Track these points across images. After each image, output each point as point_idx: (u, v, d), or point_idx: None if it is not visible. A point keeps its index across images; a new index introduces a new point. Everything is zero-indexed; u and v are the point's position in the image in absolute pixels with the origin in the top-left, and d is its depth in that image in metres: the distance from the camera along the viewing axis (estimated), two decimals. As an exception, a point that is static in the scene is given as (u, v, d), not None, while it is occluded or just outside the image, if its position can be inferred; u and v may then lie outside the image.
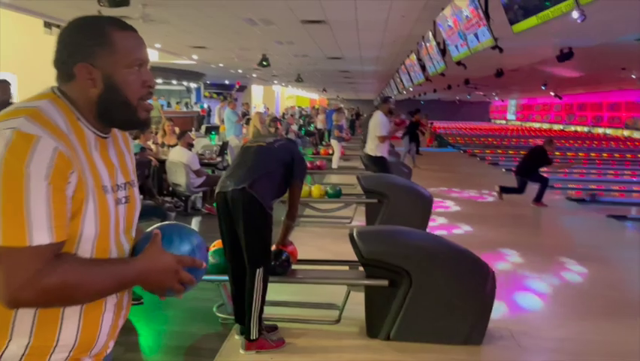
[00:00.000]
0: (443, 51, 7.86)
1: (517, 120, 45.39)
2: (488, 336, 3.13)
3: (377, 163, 6.69)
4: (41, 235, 0.93)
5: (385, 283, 3.09)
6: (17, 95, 10.77)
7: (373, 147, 6.69)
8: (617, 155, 16.34)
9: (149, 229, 1.17)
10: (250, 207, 2.80)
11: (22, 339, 1.00)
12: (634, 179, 11.29)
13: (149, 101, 1.16)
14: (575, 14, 5.60)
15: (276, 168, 2.96)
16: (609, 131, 30.56)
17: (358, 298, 3.19)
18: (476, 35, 5.22)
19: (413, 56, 11.04)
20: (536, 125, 38.09)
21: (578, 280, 4.57)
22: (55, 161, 0.95)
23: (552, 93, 28.04)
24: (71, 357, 1.06)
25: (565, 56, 10.80)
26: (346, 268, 3.57)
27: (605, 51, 11.60)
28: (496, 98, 45.59)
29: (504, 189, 7.89)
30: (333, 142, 11.33)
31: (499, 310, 3.22)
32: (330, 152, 11.26)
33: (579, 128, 33.53)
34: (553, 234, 6.68)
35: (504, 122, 45.87)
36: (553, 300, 4.11)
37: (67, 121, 1.04)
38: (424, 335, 3.08)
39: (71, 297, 1.00)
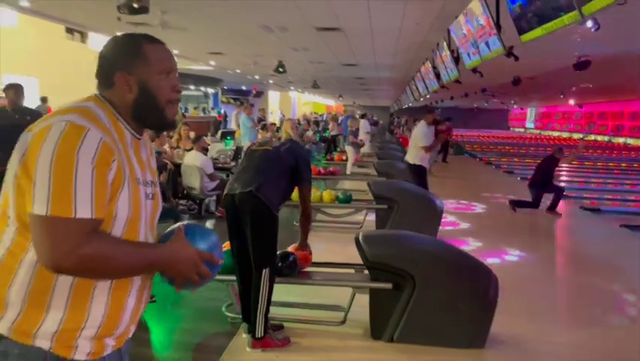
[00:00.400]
0: (457, 59, 7.90)
1: (536, 129, 44.89)
2: (491, 340, 3.16)
3: (414, 171, 6.80)
4: (85, 210, 1.08)
5: (389, 286, 3.15)
6: (39, 98, 11.13)
7: (413, 155, 6.83)
8: (635, 165, 16.10)
9: (171, 227, 1.31)
10: (257, 210, 2.89)
11: (57, 313, 1.13)
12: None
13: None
14: (589, 23, 5.60)
15: (282, 171, 3.05)
16: (630, 140, 30.05)
17: (364, 301, 3.25)
18: (487, 44, 5.27)
19: (428, 64, 11.08)
20: (555, 133, 37.65)
21: (586, 287, 4.57)
22: (101, 149, 1.11)
23: (572, 102, 27.71)
24: (98, 335, 1.18)
25: (582, 64, 10.73)
26: (352, 271, 3.63)
27: (623, 59, 11.49)
28: (515, 106, 45.17)
29: (517, 203, 7.75)
30: (348, 148, 11.40)
31: (502, 314, 3.24)
32: (344, 158, 11.33)
33: (599, 138, 33.04)
34: (563, 242, 6.66)
35: (522, 130, 45.43)
36: (560, 307, 4.12)
37: (110, 120, 1.22)
38: (427, 337, 3.13)
39: (105, 268, 1.14)
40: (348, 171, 10.55)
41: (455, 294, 3.11)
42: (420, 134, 6.75)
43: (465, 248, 5.39)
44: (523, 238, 6.33)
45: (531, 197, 7.70)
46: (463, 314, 3.10)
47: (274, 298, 3.05)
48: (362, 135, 13.22)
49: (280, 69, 12.86)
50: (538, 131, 42.04)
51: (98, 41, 10.09)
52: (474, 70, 8.80)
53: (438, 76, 10.18)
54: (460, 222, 6.99)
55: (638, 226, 7.04)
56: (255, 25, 8.67)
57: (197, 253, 1.24)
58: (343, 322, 3.29)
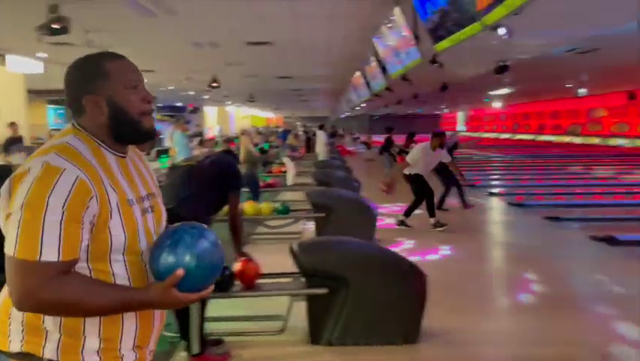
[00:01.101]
0: (384, 69, 8.21)
1: (468, 131, 46.86)
2: (425, 335, 3.32)
3: (411, 180, 7.02)
4: (51, 254, 1.10)
5: (325, 291, 3.24)
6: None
7: (412, 168, 6.99)
8: (558, 160, 17.22)
9: (164, 232, 1.27)
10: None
11: (94, 331, 1.19)
12: (571, 182, 11.94)
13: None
14: (502, 31, 6.01)
15: (205, 186, 3.08)
16: (552, 138, 32.01)
17: (303, 308, 3.32)
18: (408, 54, 5.53)
19: (359, 74, 11.43)
20: (485, 135, 39.47)
21: (514, 277, 4.86)
22: (75, 190, 1.12)
23: (497, 104, 29.24)
24: (136, 345, 1.26)
25: (501, 69, 11.40)
26: (289, 280, 3.70)
27: (540, 63, 12.30)
28: (446, 111, 47.05)
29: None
30: (286, 160, 11.49)
31: (434, 309, 3.41)
32: (283, 170, 11.41)
33: (525, 137, 34.92)
34: (492, 236, 7.02)
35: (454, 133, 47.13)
36: (489, 297, 4.36)
37: (90, 149, 1.22)
38: (363, 337, 3.24)
39: (68, 312, 1.16)
40: (290, 182, 10.64)
41: (388, 293, 3.25)
42: (416, 155, 6.92)
43: (400, 248, 5.60)
44: (453, 234, 6.63)
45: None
46: (396, 312, 3.25)
47: (213, 313, 3.06)
48: (321, 147, 13.42)
49: (214, 84, 12.81)
50: (469, 133, 43.88)
51: (16, 63, 9.67)
52: (404, 78, 9.18)
53: (369, 85, 10.51)
54: (393, 223, 7.22)
55: (560, 218, 7.56)
56: (185, 42, 8.63)
57: (179, 300, 1.18)
58: (283, 330, 3.34)
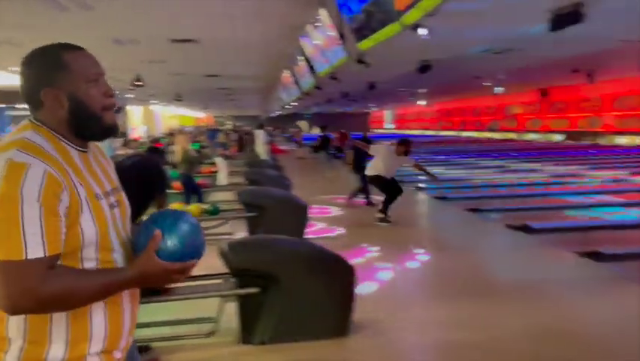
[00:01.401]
0: (312, 68, 8.29)
1: (396, 129, 48.23)
2: (355, 328, 3.40)
3: (372, 180, 7.17)
4: (36, 250, 1.06)
5: (256, 290, 3.24)
6: None
7: (372, 169, 7.18)
8: (480, 155, 18.14)
9: (145, 220, 1.27)
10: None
11: (61, 338, 1.14)
12: (491, 176, 12.65)
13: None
14: (422, 31, 6.25)
15: (127, 186, 2.97)
16: (474, 134, 33.66)
17: (234, 309, 3.29)
18: (334, 53, 5.62)
19: (288, 73, 11.46)
20: (411, 132, 40.82)
21: (436, 267, 5.08)
22: (46, 183, 1.08)
23: (422, 102, 30.34)
24: (105, 349, 1.20)
25: (424, 68, 11.84)
26: (220, 281, 3.65)
27: (459, 63, 12.90)
28: (375, 109, 48.15)
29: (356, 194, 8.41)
30: (218, 160, 11.30)
31: (364, 302, 3.50)
32: (213, 170, 11.20)
33: (448, 133, 36.46)
34: (415, 228, 7.23)
35: (383, 130, 48.49)
36: (413, 287, 4.53)
37: (51, 144, 1.16)
38: (296, 334, 3.27)
39: (68, 302, 1.12)
40: (223, 182, 10.49)
41: (318, 289, 3.29)
42: (382, 157, 7.10)
43: (331, 243, 5.68)
44: (381, 228, 6.82)
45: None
46: (327, 307, 3.30)
47: (141, 319, 2.94)
48: (261, 147, 13.30)
49: (137, 83, 12.36)
50: (398, 131, 45.16)
51: None
52: (332, 77, 9.30)
53: (298, 84, 10.57)
54: (328, 220, 7.33)
55: (481, 209, 7.99)
56: (104, 38, 8.26)
57: (164, 267, 1.19)
58: (214, 333, 3.30)
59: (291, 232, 4.44)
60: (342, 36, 5.51)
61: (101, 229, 1.18)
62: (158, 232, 1.20)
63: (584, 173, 12.83)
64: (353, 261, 3.54)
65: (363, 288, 3.47)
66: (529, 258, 5.37)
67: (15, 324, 1.13)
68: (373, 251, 5.65)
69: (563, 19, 6.20)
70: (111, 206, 1.25)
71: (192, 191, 7.33)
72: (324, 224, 7.07)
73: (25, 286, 1.06)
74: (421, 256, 5.38)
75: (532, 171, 13.53)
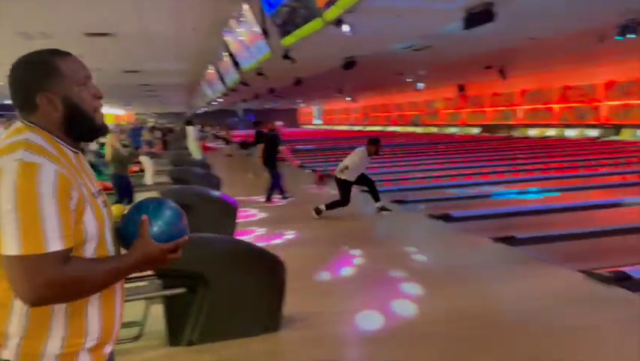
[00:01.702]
0: (236, 63, 8.19)
1: (325, 124, 48.72)
2: (287, 322, 3.43)
3: (338, 183, 7.20)
4: (55, 243, 1.13)
5: (183, 290, 3.17)
6: None
7: (348, 174, 7.12)
8: (403, 149, 18.77)
9: (128, 211, 1.35)
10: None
11: (58, 335, 1.21)
12: (414, 168, 13.13)
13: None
14: (346, 28, 6.36)
15: None
16: (398, 128, 34.74)
17: (161, 311, 3.21)
18: (258, 48, 5.60)
19: (212, 69, 11.25)
20: (340, 127, 41.45)
21: (365, 259, 5.22)
22: (59, 181, 1.15)
23: (348, 98, 30.87)
24: (99, 344, 1.28)
25: (348, 64, 12.05)
26: (145, 283, 3.54)
27: (382, 60, 13.26)
28: (302, 105, 48.37)
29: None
30: (143, 159, 10.90)
31: (293, 296, 3.53)
32: (136, 169, 10.80)
33: (374, 128, 37.37)
34: (339, 221, 7.34)
35: (312, 126, 48.90)
36: (344, 280, 4.63)
37: (51, 145, 1.23)
38: (225, 333, 3.24)
39: (82, 290, 1.20)
40: (149, 182, 10.13)
41: (247, 285, 3.28)
42: (355, 161, 7.14)
43: (260, 240, 5.68)
44: (307, 222, 6.90)
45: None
46: (256, 303, 3.30)
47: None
48: (192, 144, 12.91)
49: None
50: (327, 127, 45.67)
51: None
52: (258, 73, 9.22)
53: (223, 80, 10.40)
54: (258, 216, 7.30)
55: (405, 201, 8.28)
56: (10, 32, 7.69)
57: (160, 247, 1.29)
58: (140, 336, 3.20)
59: (221, 231, 4.37)
60: (264, 32, 5.49)
61: (100, 226, 1.26)
62: (145, 217, 1.30)
63: (499, 164, 13.65)
64: (284, 254, 3.56)
65: (293, 281, 3.50)
66: (449, 245, 5.65)
67: (17, 320, 1.19)
68: (295, 244, 5.70)
69: (475, 18, 6.56)
70: (103, 204, 1.33)
71: (124, 191, 7.03)
72: (250, 221, 7.04)
73: (48, 277, 1.12)
74: (348, 249, 5.50)
75: (453, 162, 14.20)
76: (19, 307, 1.18)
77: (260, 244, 4.23)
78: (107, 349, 1.32)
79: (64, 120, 1.27)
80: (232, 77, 8.91)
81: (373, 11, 4.29)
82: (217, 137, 27.66)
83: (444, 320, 3.58)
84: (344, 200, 7.19)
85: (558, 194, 9.11)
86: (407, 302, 3.92)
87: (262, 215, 7.63)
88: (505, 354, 3.07)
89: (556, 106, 23.56)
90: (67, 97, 1.26)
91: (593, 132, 21.33)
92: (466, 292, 4.10)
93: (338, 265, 4.99)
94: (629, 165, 12.95)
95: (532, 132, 24.34)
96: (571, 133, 22.42)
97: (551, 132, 23.27)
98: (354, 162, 7.24)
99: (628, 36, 9.61)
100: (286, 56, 7.76)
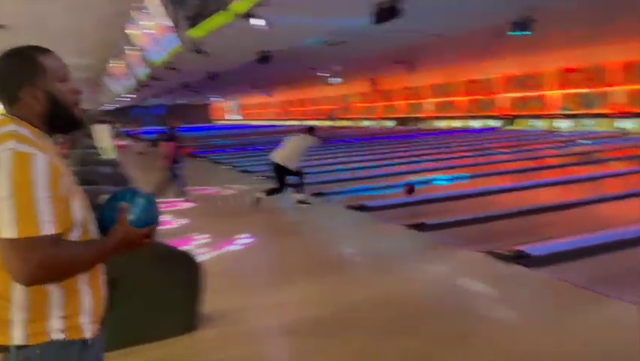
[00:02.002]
0: (145, 57, 7.87)
1: (244, 119, 48.11)
2: (206, 320, 3.37)
3: (277, 169, 7.23)
4: (48, 228, 1.22)
5: (93, 295, 3.02)
6: None
7: (289, 161, 7.18)
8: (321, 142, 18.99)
9: (107, 197, 1.43)
10: None
11: (58, 313, 1.31)
12: (331, 161, 13.37)
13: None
14: (258, 22, 6.32)
15: None
16: (315, 122, 35.05)
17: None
18: (169, 41, 5.42)
19: (122, 62, 10.71)
20: (258, 122, 41.16)
21: (286, 250, 5.25)
22: (50, 170, 1.23)
23: (264, 93, 30.73)
24: (91, 321, 1.37)
25: (264, 59, 11.99)
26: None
27: (297, 54, 13.33)
28: (219, 100, 47.39)
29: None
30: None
31: (212, 293, 3.48)
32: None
33: (292, 123, 37.52)
34: (260, 214, 7.32)
35: (228, 121, 48.08)
36: (264, 272, 4.64)
37: (36, 137, 1.29)
38: (141, 337, 3.12)
39: (72, 269, 1.30)
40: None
41: (161, 286, 3.19)
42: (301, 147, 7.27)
43: (179, 240, 5.52)
44: (221, 217, 6.83)
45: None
46: (172, 303, 3.21)
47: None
48: (108, 142, 12.24)
49: None
50: (246, 121, 45.13)
51: None
52: (170, 67, 8.90)
53: (133, 75, 9.95)
54: (176, 216, 7.10)
55: (324, 193, 8.42)
56: None
57: (137, 232, 1.37)
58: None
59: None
60: (175, 24, 5.32)
61: (83, 213, 1.34)
62: (124, 203, 1.38)
63: (411, 154, 14.26)
64: (204, 253, 3.49)
65: (210, 279, 3.44)
66: (365, 234, 5.83)
67: (18, 307, 1.26)
68: (224, 242, 5.62)
69: (384, 14, 6.78)
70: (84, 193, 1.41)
71: None
72: (172, 220, 6.83)
73: (41, 258, 1.20)
74: (266, 242, 5.51)
75: (368, 154, 14.62)
76: (17, 293, 1.26)
77: (180, 247, 4.11)
78: (97, 326, 1.42)
79: (47, 113, 1.35)
80: (142, 71, 8.54)
81: (283, 4, 4.30)
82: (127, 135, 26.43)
83: (365, 306, 3.70)
84: (281, 186, 7.29)
85: (464, 181, 9.70)
86: (328, 291, 4.00)
87: (181, 219, 7.43)
88: (432, 333, 3.22)
89: (461, 98, 24.99)
90: (49, 92, 1.34)
91: (495, 123, 22.92)
92: (384, 279, 4.25)
93: (257, 259, 4.98)
94: (522, 152, 14.05)
95: (441, 124, 25.66)
96: (475, 124, 23.92)
97: (457, 124, 24.67)
98: (299, 148, 7.29)
99: (523, 33, 10.30)
100: (198, 50, 7.56)
